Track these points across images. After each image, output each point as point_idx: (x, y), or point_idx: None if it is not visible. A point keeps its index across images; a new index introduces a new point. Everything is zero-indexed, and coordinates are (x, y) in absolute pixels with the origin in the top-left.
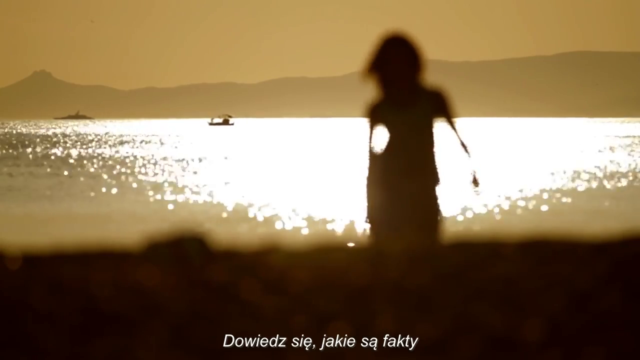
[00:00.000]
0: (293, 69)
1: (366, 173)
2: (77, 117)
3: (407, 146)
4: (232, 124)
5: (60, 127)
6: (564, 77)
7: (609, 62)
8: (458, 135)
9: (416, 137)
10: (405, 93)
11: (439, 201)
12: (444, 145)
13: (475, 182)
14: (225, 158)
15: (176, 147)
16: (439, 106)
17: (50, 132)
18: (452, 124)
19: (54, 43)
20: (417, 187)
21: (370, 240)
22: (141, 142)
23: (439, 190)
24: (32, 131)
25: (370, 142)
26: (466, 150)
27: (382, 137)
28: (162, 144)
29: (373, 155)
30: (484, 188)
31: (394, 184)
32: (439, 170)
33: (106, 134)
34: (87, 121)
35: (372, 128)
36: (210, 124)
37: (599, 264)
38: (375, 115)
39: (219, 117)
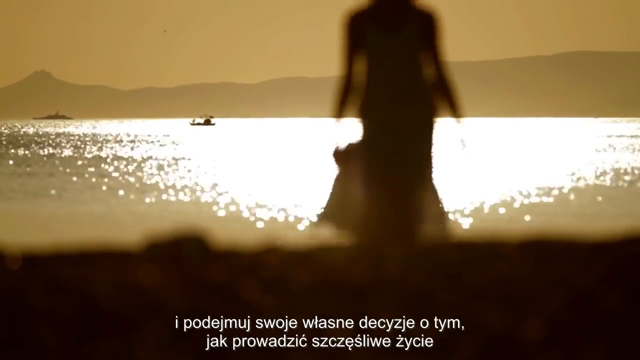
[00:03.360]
0: (293, 69)
1: (336, 105)
2: (57, 117)
3: (394, 76)
4: (214, 124)
5: (39, 128)
6: (564, 77)
7: (609, 62)
8: (443, 75)
9: (404, 65)
10: (393, 10)
11: (432, 148)
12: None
13: (463, 144)
14: (218, 158)
15: (162, 146)
16: (427, 30)
17: (29, 132)
18: (437, 55)
19: (54, 43)
20: (407, 120)
21: (335, 175)
22: (128, 142)
23: (435, 128)
24: (10, 131)
25: (346, 62)
26: (455, 103)
27: (362, 61)
28: (148, 143)
29: (348, 84)
30: (472, 154)
31: (378, 117)
32: (434, 101)
33: (84, 134)
34: (67, 121)
35: (349, 45)
36: (192, 124)
37: (599, 264)
38: (355, 29)
39: (201, 117)
